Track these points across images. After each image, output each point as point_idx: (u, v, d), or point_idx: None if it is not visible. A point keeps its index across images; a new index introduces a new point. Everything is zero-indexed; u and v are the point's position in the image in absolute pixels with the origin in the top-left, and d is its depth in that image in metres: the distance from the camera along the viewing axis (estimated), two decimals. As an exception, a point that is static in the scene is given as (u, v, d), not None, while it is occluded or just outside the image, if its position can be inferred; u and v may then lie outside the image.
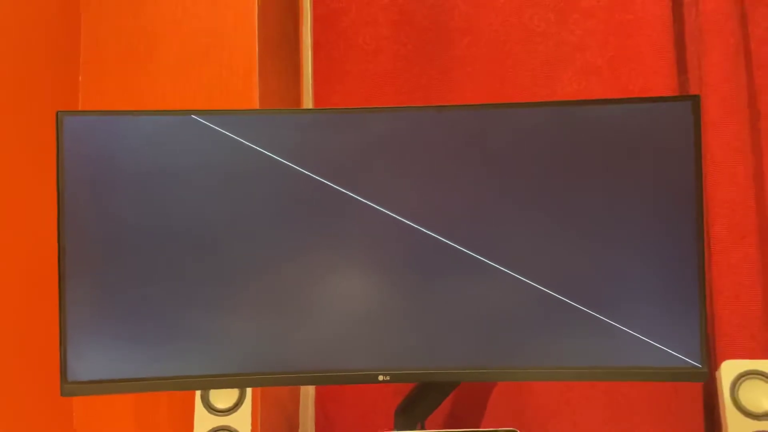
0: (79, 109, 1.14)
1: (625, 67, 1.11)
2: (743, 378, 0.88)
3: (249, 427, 0.91)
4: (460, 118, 0.84)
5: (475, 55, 1.17)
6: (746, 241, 1.04)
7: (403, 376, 0.83)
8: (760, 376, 0.88)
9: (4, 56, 1.00)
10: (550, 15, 1.15)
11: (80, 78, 1.16)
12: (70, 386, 0.82)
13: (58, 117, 0.81)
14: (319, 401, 1.17)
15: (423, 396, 0.91)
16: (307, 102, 1.25)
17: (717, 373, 0.90)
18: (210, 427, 0.91)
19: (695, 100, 0.81)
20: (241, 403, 0.92)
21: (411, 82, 1.17)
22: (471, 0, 1.17)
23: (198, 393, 0.92)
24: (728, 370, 0.89)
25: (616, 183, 0.82)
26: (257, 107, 1.09)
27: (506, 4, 1.16)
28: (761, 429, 0.86)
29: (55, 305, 0.82)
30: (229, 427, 0.91)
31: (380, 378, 0.83)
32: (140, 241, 0.82)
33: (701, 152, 0.81)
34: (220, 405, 0.92)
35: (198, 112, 0.83)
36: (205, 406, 0.92)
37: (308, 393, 1.20)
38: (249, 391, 0.93)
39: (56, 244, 0.82)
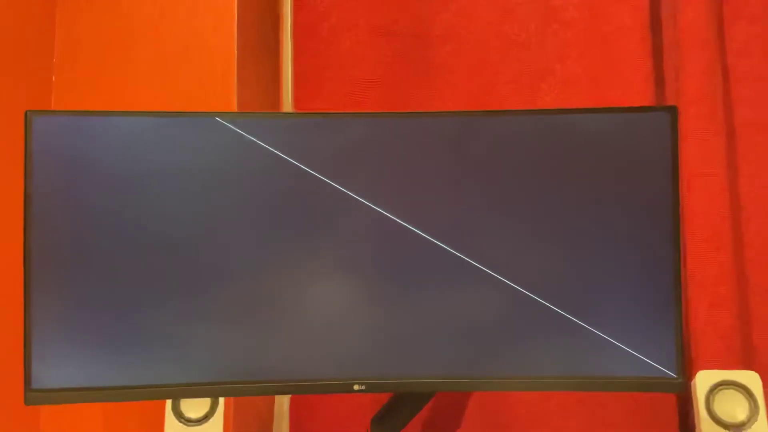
0: (52, 109, 1.12)
1: (603, 78, 1.12)
2: (718, 388, 0.89)
3: (221, 438, 0.90)
4: (441, 125, 0.83)
5: (456, 63, 1.17)
6: (721, 253, 1.05)
7: (378, 386, 0.82)
8: (735, 387, 0.89)
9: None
10: (531, 25, 1.16)
11: (53, 78, 1.14)
12: (34, 394, 0.79)
13: (27, 116, 0.79)
14: (294, 411, 1.15)
15: (399, 406, 0.90)
16: (287, 107, 1.24)
17: (692, 383, 0.91)
18: (181, 437, 0.89)
19: (673, 111, 0.82)
20: (213, 413, 0.90)
21: (392, 88, 1.17)
22: (453, 8, 1.18)
23: (169, 402, 0.90)
24: (703, 380, 0.89)
25: (594, 191, 0.82)
26: (235, 111, 1.07)
27: (487, 14, 1.17)
28: (735, 439, 0.86)
29: (19, 308, 0.79)
30: (201, 437, 0.89)
31: (355, 387, 0.82)
32: (111, 245, 0.80)
33: (678, 163, 0.81)
34: (192, 414, 0.90)
35: (185, 114, 0.81)
36: (176, 416, 0.90)
37: (283, 403, 1.18)
38: (221, 400, 0.91)
39: (22, 246, 0.79)
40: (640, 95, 1.08)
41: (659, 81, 1.13)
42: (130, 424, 1.07)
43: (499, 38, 1.16)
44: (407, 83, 1.17)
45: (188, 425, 0.89)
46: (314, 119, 0.84)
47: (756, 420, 0.87)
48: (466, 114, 0.84)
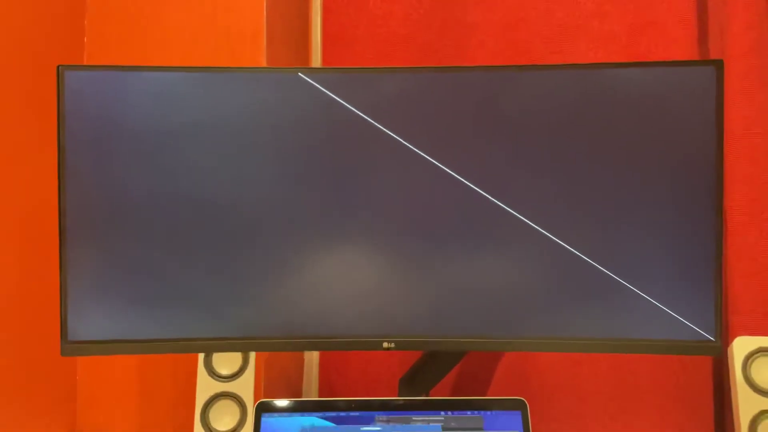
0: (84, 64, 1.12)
1: (644, 36, 1.07)
2: (756, 355, 0.87)
3: (252, 394, 0.91)
4: (475, 80, 0.81)
5: (489, 21, 1.13)
6: (763, 218, 1.02)
7: (408, 344, 0.82)
8: (772, 354, 0.86)
9: (4, 15, 0.97)
10: (567, -20, 1.11)
11: (85, 39, 1.14)
12: (70, 346, 0.81)
13: (59, 71, 0.79)
14: (323, 370, 1.16)
15: (428, 366, 0.90)
16: (316, 65, 1.22)
17: (729, 349, 0.88)
18: (212, 393, 0.90)
19: (718, 65, 0.78)
20: (245, 370, 0.91)
21: (422, 47, 1.15)
22: (486, -35, 1.14)
23: (201, 358, 0.91)
24: (741, 346, 0.87)
25: (635, 150, 0.79)
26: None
27: (522, -31, 1.13)
28: (773, 406, 0.84)
29: (56, 263, 0.81)
30: (232, 392, 0.90)
31: (384, 345, 0.82)
32: (143, 201, 0.81)
33: (723, 120, 0.78)
34: (224, 371, 0.91)
35: (221, 69, 0.81)
36: (208, 372, 0.91)
37: (312, 361, 1.19)
38: (252, 357, 0.92)
39: (57, 203, 0.80)
40: (684, 54, 1.04)
41: (703, 39, 1.08)
42: (163, 379, 1.10)
43: (534, -5, 1.12)
44: (438, 42, 1.15)
45: (220, 380, 0.91)
46: (345, 74, 0.82)
47: (795, 387, 0.85)
48: (501, 69, 0.82)
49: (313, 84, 0.81)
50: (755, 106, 1.02)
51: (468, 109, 0.81)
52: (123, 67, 0.81)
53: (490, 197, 0.80)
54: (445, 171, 0.81)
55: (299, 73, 0.83)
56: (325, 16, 1.19)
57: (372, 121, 0.81)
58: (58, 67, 0.79)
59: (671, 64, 0.81)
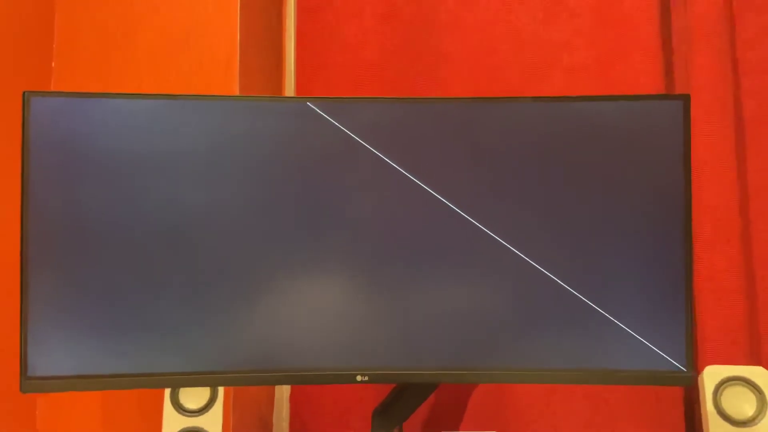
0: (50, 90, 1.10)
1: (612, 67, 1.10)
2: (726, 384, 0.87)
3: (220, 429, 0.88)
4: (449, 111, 0.81)
5: (462, 51, 1.15)
6: (730, 245, 1.04)
7: (382, 377, 0.81)
8: (742, 383, 0.87)
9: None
10: (538, 13, 1.14)
11: (53, 64, 1.12)
12: (30, 382, 0.78)
13: (25, 97, 0.77)
14: (294, 403, 1.14)
15: (401, 398, 0.88)
16: (290, 93, 1.22)
17: (699, 378, 0.89)
18: (179, 428, 0.87)
19: (686, 99, 0.80)
20: (213, 404, 0.89)
21: (396, 76, 1.15)
22: (459, -5, 1.16)
23: (167, 392, 0.88)
24: (711, 375, 0.88)
25: (605, 180, 0.80)
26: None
27: (494, 1, 1.15)
28: (743, 435, 0.85)
29: (15, 295, 0.77)
30: (200, 428, 0.88)
31: (358, 378, 0.80)
32: (110, 230, 0.78)
33: (690, 152, 0.80)
34: (191, 405, 0.89)
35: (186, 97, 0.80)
36: (174, 406, 0.88)
37: (283, 394, 1.16)
38: (221, 390, 0.89)
39: (19, 231, 0.77)
40: (650, 85, 1.06)
41: (668, 70, 1.11)
42: (128, 414, 1.06)
43: (506, 26, 1.14)
44: (412, 71, 1.16)
45: (187, 416, 0.88)
46: (321, 103, 0.82)
47: (764, 416, 0.85)
48: (475, 101, 0.83)
49: (283, 113, 0.81)
50: (718, 136, 1.05)
51: (444, 136, 0.81)
52: (90, 94, 0.80)
53: (465, 215, 0.80)
54: (421, 187, 0.81)
55: (268, 102, 0.83)
56: (299, 43, 1.19)
57: (343, 150, 0.81)
58: (24, 93, 0.77)
59: (640, 98, 0.82)
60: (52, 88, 1.11)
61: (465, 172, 0.81)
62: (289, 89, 1.22)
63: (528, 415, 1.08)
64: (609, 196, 0.80)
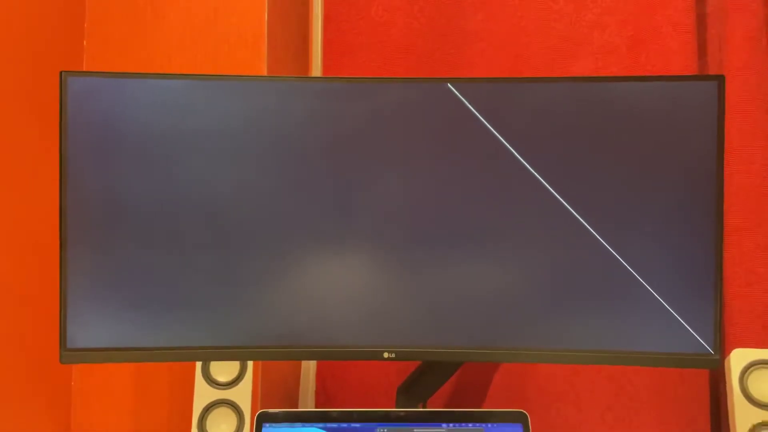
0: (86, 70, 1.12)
1: (644, 48, 1.08)
2: (753, 367, 0.87)
3: (249, 402, 0.90)
4: (475, 92, 0.81)
5: (490, 31, 1.14)
6: (760, 229, 1.02)
7: (408, 354, 0.82)
8: (770, 366, 0.87)
9: (5, 18, 0.97)
10: (568, -9, 1.12)
11: (85, 43, 1.14)
12: (69, 353, 0.81)
13: (62, 77, 0.79)
14: (320, 377, 1.16)
15: (426, 375, 0.90)
16: (316, 73, 1.22)
17: (726, 361, 0.89)
18: (210, 400, 0.90)
19: (720, 80, 0.78)
20: (242, 377, 0.91)
21: (423, 56, 1.15)
22: (486, -26, 1.14)
23: (198, 365, 0.91)
24: (738, 358, 0.88)
25: (638, 161, 0.79)
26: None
27: (522, -20, 1.13)
28: (770, 419, 0.85)
29: (55, 271, 0.80)
30: (230, 400, 0.90)
31: (385, 355, 0.81)
32: (145, 207, 0.80)
33: (723, 134, 0.78)
34: (221, 378, 0.91)
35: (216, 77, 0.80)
36: (205, 379, 0.91)
37: (310, 369, 1.19)
38: (250, 364, 0.91)
39: (57, 208, 0.79)
40: (683, 66, 1.04)
41: (702, 51, 1.09)
42: (160, 386, 1.09)
43: (535, 5, 1.12)
44: (439, 51, 1.15)
45: (218, 388, 0.90)
46: (344, 84, 0.82)
47: (791, 400, 0.85)
48: (502, 80, 0.82)
49: (315, 92, 0.81)
50: (751, 119, 1.03)
51: (471, 117, 0.81)
52: (125, 74, 0.81)
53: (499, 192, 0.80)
54: (446, 175, 0.81)
55: (300, 82, 0.83)
56: (326, 23, 1.19)
57: (373, 130, 0.81)
58: (61, 73, 0.79)
59: (674, 79, 0.81)
60: (84, 68, 1.13)
61: (485, 153, 0.81)
62: (316, 69, 1.22)
63: (551, 394, 1.09)
64: (641, 179, 0.80)
